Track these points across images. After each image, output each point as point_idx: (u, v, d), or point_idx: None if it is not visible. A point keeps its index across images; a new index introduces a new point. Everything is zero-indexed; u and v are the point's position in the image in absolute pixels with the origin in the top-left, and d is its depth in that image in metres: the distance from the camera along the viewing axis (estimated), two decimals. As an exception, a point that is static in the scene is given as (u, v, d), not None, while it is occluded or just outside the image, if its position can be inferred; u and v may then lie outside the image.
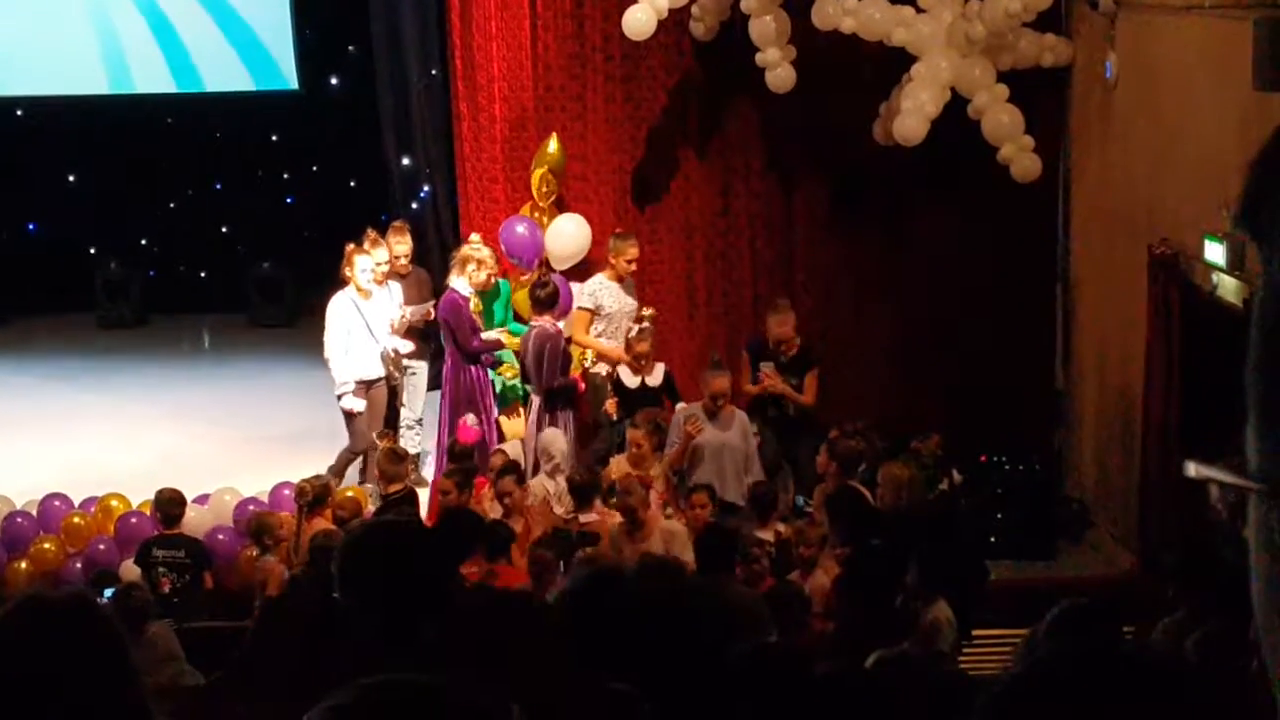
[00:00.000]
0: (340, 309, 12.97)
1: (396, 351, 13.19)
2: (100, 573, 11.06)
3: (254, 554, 11.04)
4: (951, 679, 6.70)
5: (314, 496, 11.34)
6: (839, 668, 6.31)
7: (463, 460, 11.95)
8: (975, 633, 9.69)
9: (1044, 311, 13.82)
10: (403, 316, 13.14)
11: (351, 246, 13.11)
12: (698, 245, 14.14)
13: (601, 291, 13.03)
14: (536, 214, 13.80)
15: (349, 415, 12.96)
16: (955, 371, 13.65)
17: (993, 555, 11.51)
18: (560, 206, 13.95)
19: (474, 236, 13.40)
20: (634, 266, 13.10)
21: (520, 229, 13.53)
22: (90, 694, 3.10)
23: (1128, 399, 12.00)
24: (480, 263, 12.88)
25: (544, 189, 13.72)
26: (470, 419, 12.76)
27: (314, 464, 12.40)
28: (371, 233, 13.38)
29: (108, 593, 9.95)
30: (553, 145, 13.66)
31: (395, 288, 13.32)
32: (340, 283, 13.14)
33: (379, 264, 13.04)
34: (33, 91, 18.49)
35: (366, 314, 12.95)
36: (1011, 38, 12.59)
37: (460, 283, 12.92)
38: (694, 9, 13.33)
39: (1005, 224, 13.54)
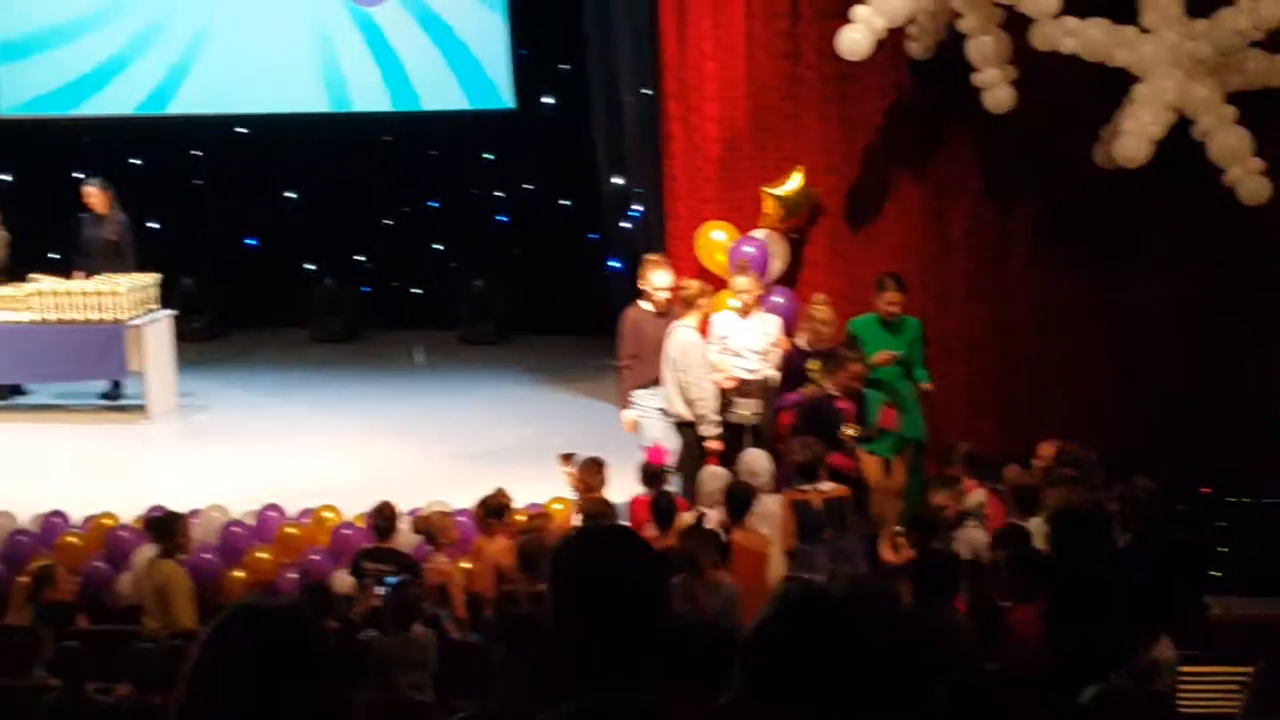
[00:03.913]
0: (699, 343, 12.84)
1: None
2: (312, 585, 11.17)
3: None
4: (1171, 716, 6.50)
5: (492, 509, 11.36)
6: (1057, 700, 6.15)
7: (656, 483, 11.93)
8: (1199, 669, 9.43)
9: (1273, 337, 13.42)
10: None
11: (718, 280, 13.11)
12: (911, 269, 13.93)
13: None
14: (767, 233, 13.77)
15: (710, 453, 12.81)
16: (1179, 399, 13.31)
17: (1217, 590, 11.16)
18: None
19: (816, 296, 13.15)
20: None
21: (748, 248, 13.47)
22: (294, 705, 3.10)
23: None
24: (809, 318, 12.84)
25: (780, 218, 13.70)
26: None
27: (522, 480, 12.42)
28: (740, 260, 13.32)
29: (390, 580, 10.04)
30: (793, 184, 13.62)
31: (772, 318, 13.31)
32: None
33: (741, 292, 13.02)
34: (255, 110, 18.85)
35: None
36: (1240, 58, 12.26)
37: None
38: (911, 28, 13.18)
39: (1231, 248, 13.18)
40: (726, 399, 12.94)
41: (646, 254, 13.73)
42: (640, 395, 13.16)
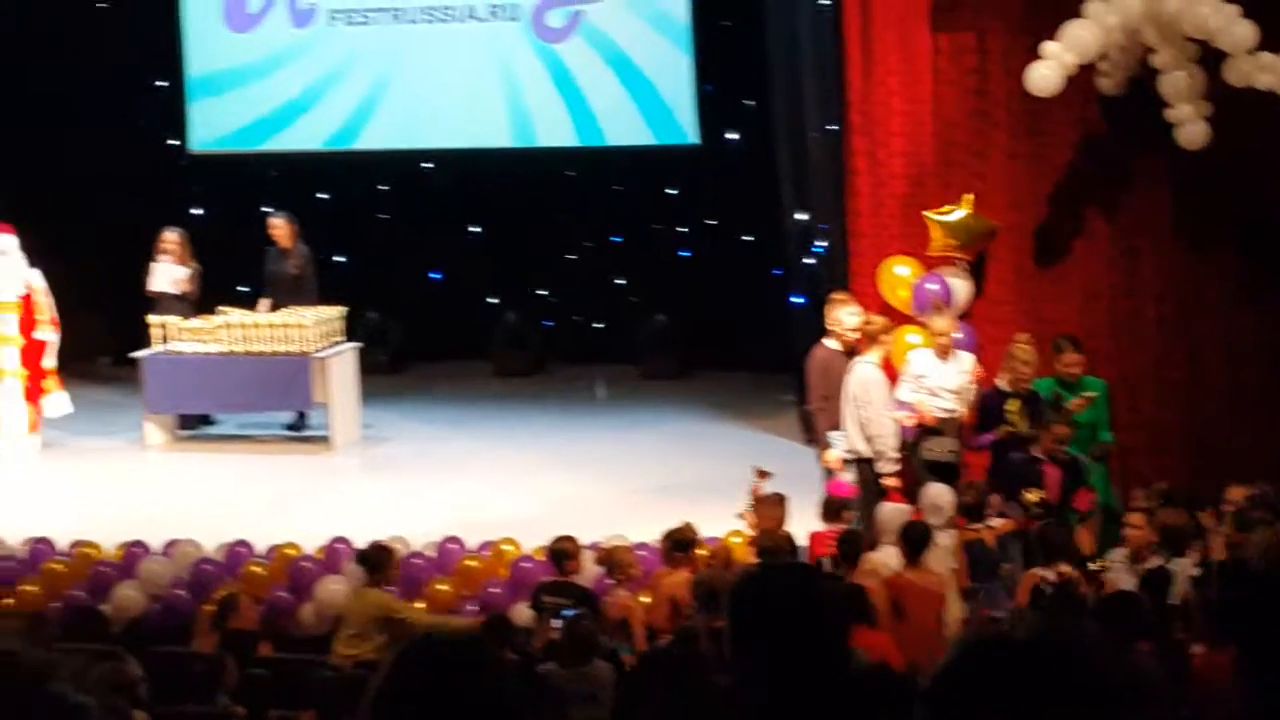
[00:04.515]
0: (880, 380, 12.90)
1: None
2: (492, 617, 11.18)
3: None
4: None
5: (679, 542, 11.27)
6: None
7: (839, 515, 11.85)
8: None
9: None
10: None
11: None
12: (1099, 308, 13.70)
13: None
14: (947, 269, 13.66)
15: (889, 490, 12.80)
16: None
17: None
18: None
19: (1020, 336, 13.00)
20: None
21: (932, 285, 13.39)
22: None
23: None
24: (1011, 357, 12.72)
25: (947, 246, 13.57)
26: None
27: (701, 514, 12.35)
28: (936, 300, 13.26)
29: (566, 613, 10.04)
30: (959, 212, 13.50)
31: (967, 357, 13.19)
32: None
33: (940, 334, 12.95)
34: (440, 145, 19.05)
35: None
36: None
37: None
38: (1102, 64, 12.97)
39: None
40: (914, 436, 12.82)
41: (832, 292, 13.66)
42: (834, 437, 13.05)
